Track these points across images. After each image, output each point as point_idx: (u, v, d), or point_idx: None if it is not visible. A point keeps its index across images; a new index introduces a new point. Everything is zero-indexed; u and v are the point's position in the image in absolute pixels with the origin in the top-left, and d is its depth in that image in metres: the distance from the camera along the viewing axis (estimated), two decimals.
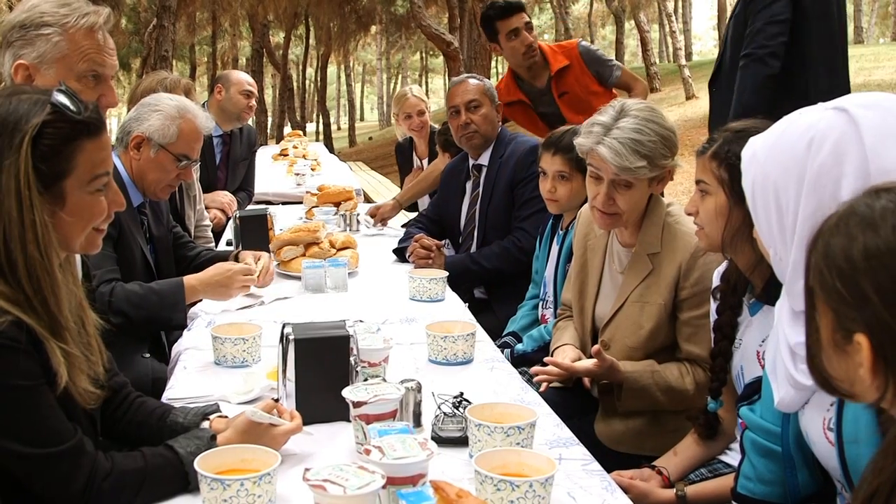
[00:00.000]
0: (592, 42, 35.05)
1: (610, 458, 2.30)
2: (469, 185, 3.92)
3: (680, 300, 2.33)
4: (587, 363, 2.31)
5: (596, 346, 2.29)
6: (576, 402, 2.55)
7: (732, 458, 2.10)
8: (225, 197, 4.84)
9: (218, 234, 4.55)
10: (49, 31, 2.17)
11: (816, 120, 1.43)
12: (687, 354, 2.34)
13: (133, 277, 2.78)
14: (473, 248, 3.80)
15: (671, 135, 2.32)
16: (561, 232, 3.08)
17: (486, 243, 3.72)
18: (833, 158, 1.37)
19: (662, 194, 2.50)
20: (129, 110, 3.18)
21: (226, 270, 2.87)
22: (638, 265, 2.41)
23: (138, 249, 2.87)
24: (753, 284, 1.95)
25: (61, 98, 1.53)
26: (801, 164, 1.41)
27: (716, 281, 2.07)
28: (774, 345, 1.58)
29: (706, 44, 62.88)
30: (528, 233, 3.54)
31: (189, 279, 2.82)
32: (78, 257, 1.81)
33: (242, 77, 5.20)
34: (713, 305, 2.07)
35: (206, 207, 4.42)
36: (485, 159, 3.83)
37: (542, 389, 2.41)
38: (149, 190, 2.94)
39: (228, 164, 5.12)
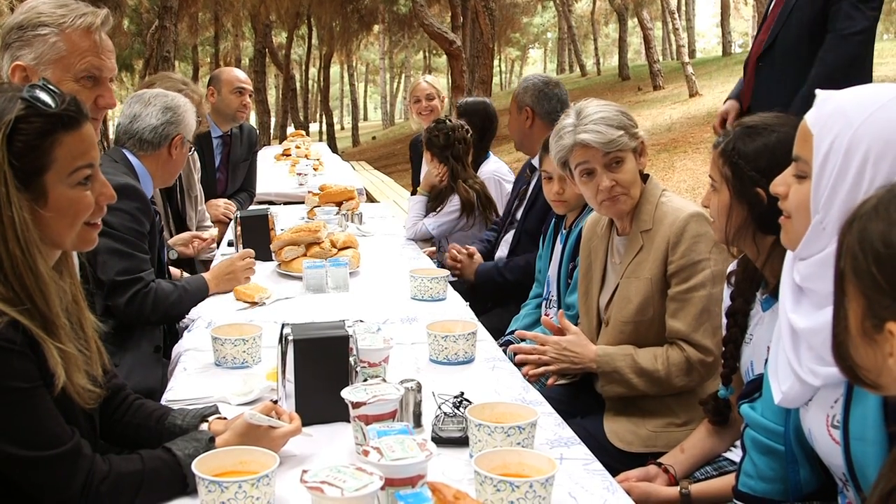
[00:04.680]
0: (595, 40, 35.00)
1: (621, 457, 2.29)
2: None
3: (669, 275, 2.35)
4: (564, 337, 2.42)
5: (560, 311, 2.42)
6: (580, 400, 2.54)
7: (739, 455, 2.08)
8: (218, 209, 4.71)
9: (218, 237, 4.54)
10: (46, 31, 2.15)
11: None
12: (669, 331, 2.35)
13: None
14: (507, 247, 3.80)
15: (625, 109, 2.51)
16: (564, 231, 3.07)
17: (519, 244, 3.72)
18: None
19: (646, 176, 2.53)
20: None
21: (228, 263, 3.15)
22: (632, 243, 2.45)
23: (156, 243, 3.05)
24: (766, 279, 1.93)
25: (36, 93, 1.51)
26: None
27: (732, 265, 2.05)
28: (776, 337, 1.56)
29: (709, 41, 62.77)
30: None
31: (206, 276, 3.10)
32: (76, 258, 1.80)
33: (233, 75, 5.03)
34: (727, 291, 2.05)
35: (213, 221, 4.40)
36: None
37: (549, 383, 2.44)
38: (170, 180, 3.26)
39: (228, 165, 5.06)
